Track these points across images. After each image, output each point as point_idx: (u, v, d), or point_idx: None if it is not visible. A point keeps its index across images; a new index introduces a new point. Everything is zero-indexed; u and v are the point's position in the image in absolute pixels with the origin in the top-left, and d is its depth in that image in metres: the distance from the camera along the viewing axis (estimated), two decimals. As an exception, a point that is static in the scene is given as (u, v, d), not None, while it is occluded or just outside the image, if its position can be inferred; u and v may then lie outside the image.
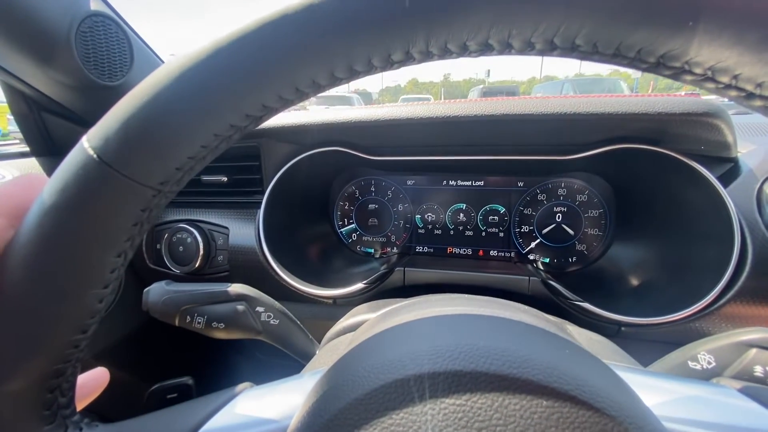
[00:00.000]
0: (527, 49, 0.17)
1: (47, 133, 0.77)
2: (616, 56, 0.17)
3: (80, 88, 0.68)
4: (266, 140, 0.74)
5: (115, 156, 0.18)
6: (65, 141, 0.78)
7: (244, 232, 0.74)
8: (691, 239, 0.61)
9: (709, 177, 0.56)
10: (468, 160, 0.73)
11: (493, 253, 0.80)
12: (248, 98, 0.19)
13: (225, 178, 0.78)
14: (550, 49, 0.17)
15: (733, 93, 0.16)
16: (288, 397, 0.27)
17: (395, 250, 0.85)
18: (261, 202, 0.72)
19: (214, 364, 1.04)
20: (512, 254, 0.79)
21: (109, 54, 0.68)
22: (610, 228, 0.74)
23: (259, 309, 0.45)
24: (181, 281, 0.47)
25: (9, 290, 0.19)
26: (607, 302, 0.60)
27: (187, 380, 0.54)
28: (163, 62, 0.78)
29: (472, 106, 0.63)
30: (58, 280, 0.19)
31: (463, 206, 0.81)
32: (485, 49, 0.18)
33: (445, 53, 0.18)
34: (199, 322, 0.43)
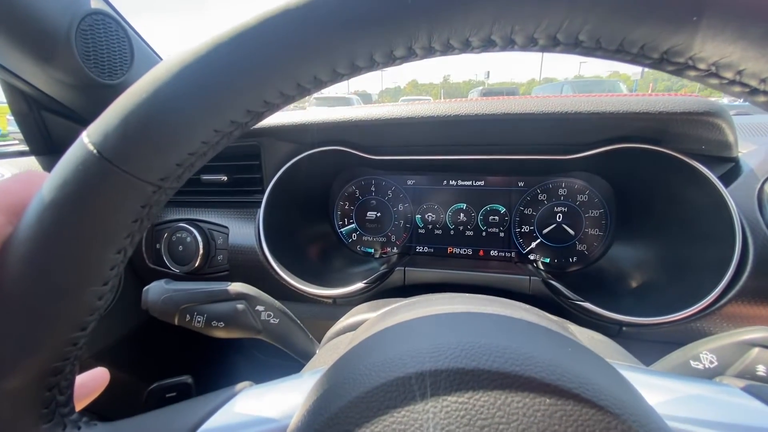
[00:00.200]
0: (530, 44, 0.17)
1: (47, 131, 0.77)
2: (619, 52, 0.17)
3: (80, 86, 0.68)
4: (266, 139, 0.74)
5: (115, 151, 0.18)
6: (65, 140, 0.78)
7: (243, 231, 0.73)
8: (692, 239, 0.61)
9: (710, 177, 0.56)
10: (468, 159, 0.73)
11: (493, 253, 0.80)
12: (249, 94, 0.18)
13: (225, 178, 0.77)
14: (552, 44, 0.17)
15: (737, 89, 0.16)
16: (288, 396, 0.27)
17: (395, 249, 0.85)
18: (261, 202, 0.72)
19: (214, 363, 1.03)
20: (512, 254, 0.79)
21: (109, 52, 0.68)
22: (610, 228, 0.74)
23: (259, 308, 0.45)
24: (180, 281, 0.47)
25: (7, 287, 0.19)
26: (608, 302, 0.60)
27: (187, 379, 0.54)
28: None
29: (473, 105, 0.62)
30: (57, 276, 0.19)
31: (464, 206, 0.81)
32: (488, 44, 0.18)
33: (447, 49, 0.18)
34: (198, 321, 0.43)
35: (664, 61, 0.16)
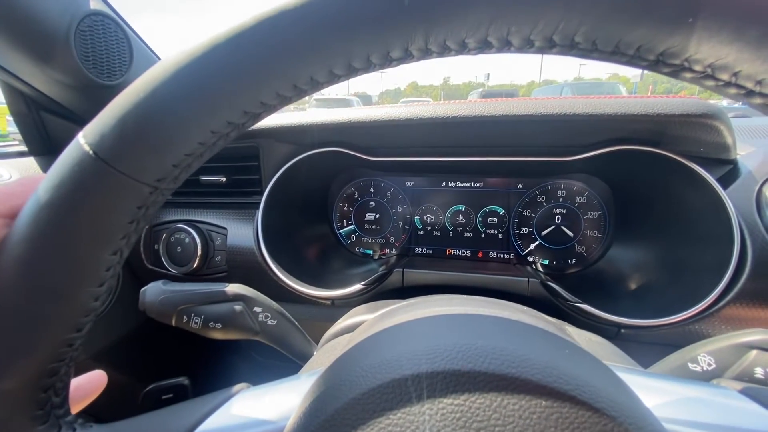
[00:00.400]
0: (526, 46, 0.17)
1: (46, 132, 0.77)
2: (615, 54, 0.17)
3: (79, 87, 0.68)
4: (265, 140, 0.74)
5: (112, 152, 0.18)
6: (64, 140, 0.78)
7: (242, 232, 0.73)
8: (691, 241, 0.61)
9: (708, 179, 0.56)
10: (467, 161, 0.73)
11: (492, 254, 0.80)
12: (246, 95, 0.18)
13: (224, 179, 0.77)
14: (549, 46, 0.17)
15: (733, 90, 0.16)
16: (285, 397, 0.27)
17: (394, 251, 0.84)
18: (260, 203, 0.72)
19: (211, 364, 1.03)
20: (511, 256, 0.79)
21: (108, 53, 0.68)
22: (609, 230, 0.74)
23: (257, 309, 0.44)
24: (178, 282, 0.47)
25: (2, 287, 0.19)
26: (606, 304, 0.59)
27: (183, 381, 0.54)
28: (162, 62, 0.77)
29: (471, 106, 0.62)
30: (52, 277, 0.19)
31: (463, 208, 0.81)
32: (484, 46, 0.18)
33: (444, 51, 0.18)
34: (195, 322, 0.43)
35: (660, 63, 0.16)
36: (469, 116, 0.62)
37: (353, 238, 0.87)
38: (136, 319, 0.87)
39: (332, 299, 0.69)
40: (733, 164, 0.60)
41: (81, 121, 0.76)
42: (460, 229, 0.81)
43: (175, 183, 0.21)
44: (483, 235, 0.80)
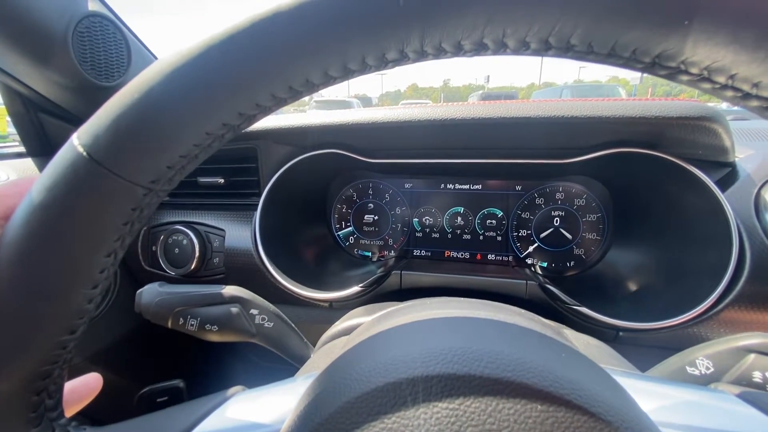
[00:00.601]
0: (522, 48, 0.17)
1: (44, 133, 0.77)
2: (611, 56, 0.17)
3: (77, 88, 0.68)
4: (263, 142, 0.74)
5: (106, 154, 0.18)
6: (62, 141, 0.77)
7: (240, 234, 0.73)
8: (689, 244, 0.61)
9: (706, 181, 0.56)
10: (466, 163, 0.73)
11: (490, 257, 0.80)
12: (241, 96, 0.18)
13: (222, 180, 0.77)
14: (545, 48, 0.17)
15: (730, 93, 0.16)
16: (280, 400, 0.26)
17: (393, 253, 0.84)
18: (258, 205, 0.72)
19: (207, 367, 1.03)
20: (510, 258, 0.79)
21: (106, 54, 0.68)
22: (608, 232, 0.74)
23: (254, 311, 0.44)
24: (176, 283, 0.47)
25: None
26: (605, 307, 0.59)
27: (178, 383, 0.53)
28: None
29: (470, 109, 0.62)
30: (45, 278, 0.19)
31: (461, 210, 0.80)
32: (480, 48, 0.18)
33: (440, 53, 0.18)
34: (192, 324, 0.43)
35: (656, 65, 0.16)
36: (468, 118, 0.62)
37: (352, 240, 0.87)
38: (132, 321, 0.87)
39: (330, 301, 0.69)
40: (732, 167, 0.60)
41: (79, 122, 0.75)
42: (458, 232, 0.81)
43: (170, 185, 0.21)
44: (481, 237, 0.80)
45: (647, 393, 0.26)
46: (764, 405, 0.25)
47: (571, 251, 0.76)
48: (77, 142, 0.18)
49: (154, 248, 0.76)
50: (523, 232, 0.78)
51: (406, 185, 0.83)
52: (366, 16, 0.16)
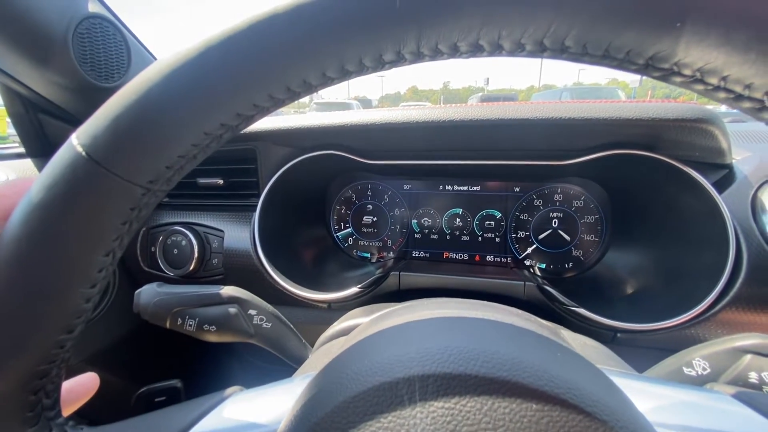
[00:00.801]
0: (517, 50, 0.17)
1: (43, 134, 0.77)
2: (605, 58, 0.17)
3: (77, 89, 0.68)
4: (263, 143, 0.74)
5: (104, 154, 0.18)
6: (61, 142, 0.77)
7: (239, 235, 0.73)
8: (687, 245, 0.61)
9: (703, 183, 0.56)
10: (464, 164, 0.73)
11: (489, 258, 0.80)
12: (239, 97, 0.19)
13: (221, 181, 0.77)
14: (540, 50, 0.17)
15: (723, 95, 0.16)
16: (277, 400, 0.26)
17: (391, 254, 0.84)
18: (257, 205, 0.72)
19: (206, 367, 1.03)
20: (508, 259, 0.79)
21: (106, 56, 0.68)
22: (606, 234, 0.74)
23: (252, 312, 0.44)
24: (174, 284, 0.47)
25: None
26: (603, 308, 0.59)
27: (176, 383, 0.53)
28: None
29: (469, 110, 0.63)
30: (43, 278, 0.19)
31: (460, 211, 0.81)
32: (476, 50, 0.18)
33: (436, 54, 0.18)
34: (190, 325, 0.43)
35: (649, 67, 0.16)
36: (467, 120, 0.62)
37: (350, 241, 0.87)
38: (131, 321, 0.87)
39: (329, 302, 0.69)
40: (729, 169, 0.60)
41: (78, 123, 0.75)
42: (457, 233, 0.81)
43: (168, 185, 0.21)
44: (480, 238, 0.80)
45: (643, 393, 0.26)
46: (760, 405, 0.25)
47: (569, 253, 0.76)
48: (76, 141, 0.18)
49: (153, 249, 0.76)
50: (521, 234, 0.78)
51: (405, 186, 0.83)
52: (363, 17, 0.17)
